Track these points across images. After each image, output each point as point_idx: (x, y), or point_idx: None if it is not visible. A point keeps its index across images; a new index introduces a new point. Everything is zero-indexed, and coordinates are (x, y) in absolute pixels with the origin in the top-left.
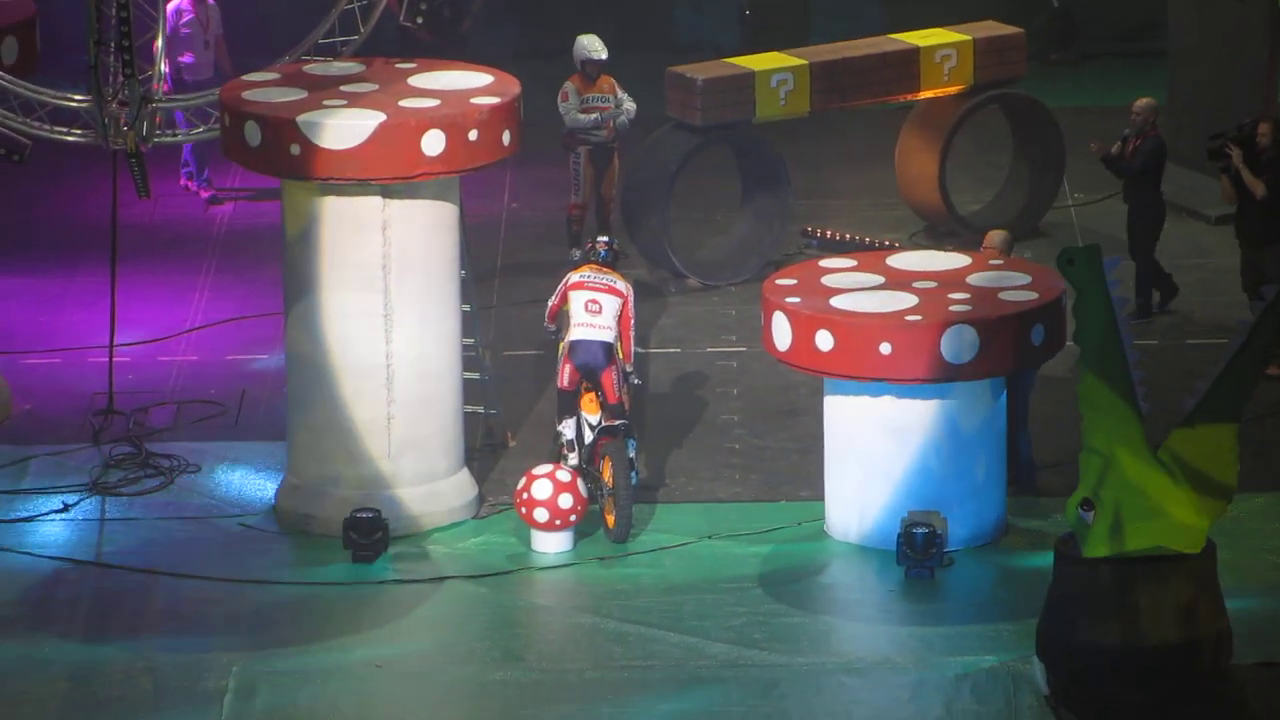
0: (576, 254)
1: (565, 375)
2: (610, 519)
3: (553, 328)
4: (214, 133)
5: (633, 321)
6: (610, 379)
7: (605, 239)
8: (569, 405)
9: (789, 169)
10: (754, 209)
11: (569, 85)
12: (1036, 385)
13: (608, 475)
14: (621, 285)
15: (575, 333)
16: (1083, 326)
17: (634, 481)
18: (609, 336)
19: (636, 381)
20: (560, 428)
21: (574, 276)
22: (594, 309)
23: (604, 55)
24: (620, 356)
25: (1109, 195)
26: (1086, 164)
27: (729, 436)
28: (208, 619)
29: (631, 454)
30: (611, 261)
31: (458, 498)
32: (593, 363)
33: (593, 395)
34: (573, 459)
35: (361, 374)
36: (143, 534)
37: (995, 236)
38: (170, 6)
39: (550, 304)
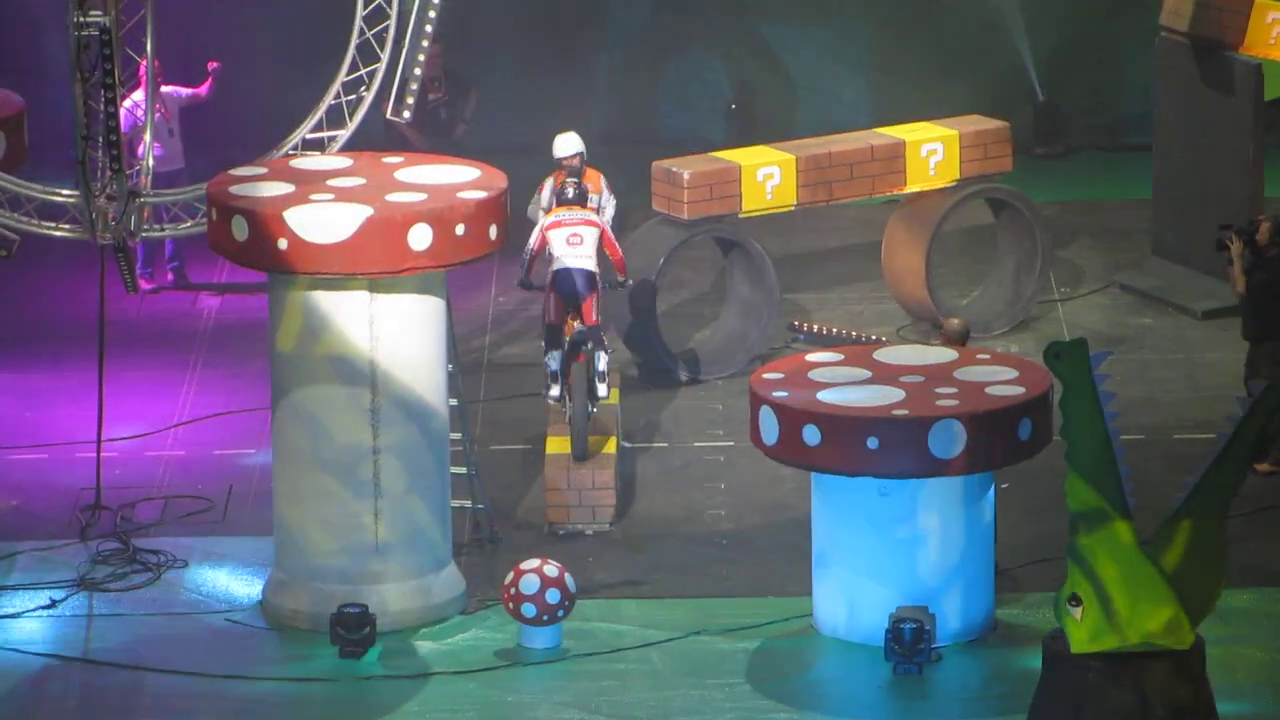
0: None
1: (552, 309)
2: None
3: (529, 280)
4: (200, 227)
5: (614, 240)
6: (590, 305)
7: (573, 180)
8: (555, 338)
9: (775, 263)
10: (740, 303)
11: (548, 181)
12: (1023, 479)
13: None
14: (596, 217)
15: (558, 263)
16: (1069, 421)
17: (603, 394)
18: (591, 265)
19: (630, 284)
20: (546, 359)
21: (548, 219)
22: (575, 241)
23: (564, 154)
24: (599, 287)
25: (1095, 289)
26: (1072, 258)
27: (716, 531)
28: (195, 715)
29: (602, 367)
30: (581, 199)
31: (445, 593)
32: (577, 290)
33: (572, 320)
34: (555, 390)
35: (348, 468)
36: (130, 630)
37: (952, 325)
38: (125, 104)
39: (529, 255)
